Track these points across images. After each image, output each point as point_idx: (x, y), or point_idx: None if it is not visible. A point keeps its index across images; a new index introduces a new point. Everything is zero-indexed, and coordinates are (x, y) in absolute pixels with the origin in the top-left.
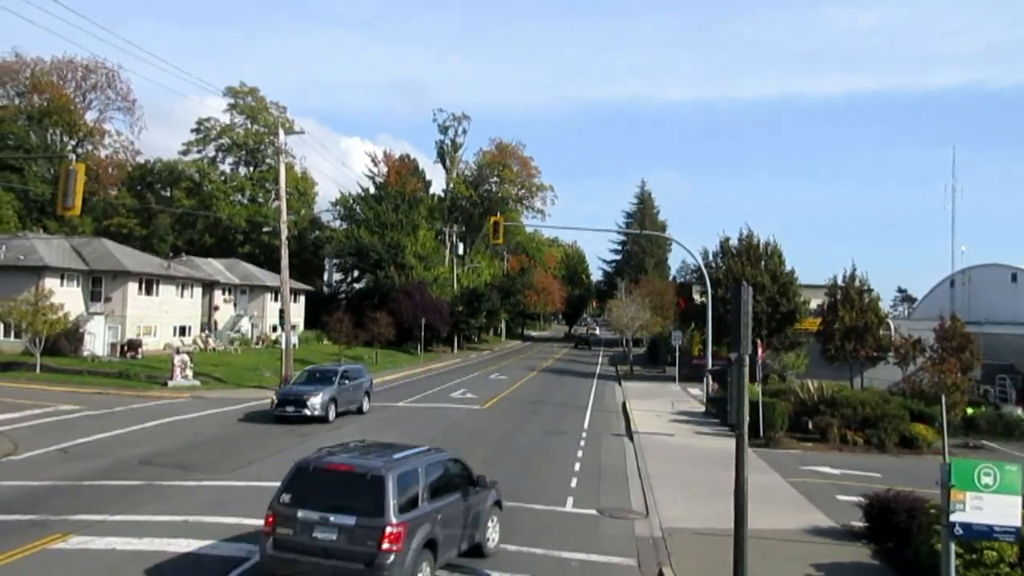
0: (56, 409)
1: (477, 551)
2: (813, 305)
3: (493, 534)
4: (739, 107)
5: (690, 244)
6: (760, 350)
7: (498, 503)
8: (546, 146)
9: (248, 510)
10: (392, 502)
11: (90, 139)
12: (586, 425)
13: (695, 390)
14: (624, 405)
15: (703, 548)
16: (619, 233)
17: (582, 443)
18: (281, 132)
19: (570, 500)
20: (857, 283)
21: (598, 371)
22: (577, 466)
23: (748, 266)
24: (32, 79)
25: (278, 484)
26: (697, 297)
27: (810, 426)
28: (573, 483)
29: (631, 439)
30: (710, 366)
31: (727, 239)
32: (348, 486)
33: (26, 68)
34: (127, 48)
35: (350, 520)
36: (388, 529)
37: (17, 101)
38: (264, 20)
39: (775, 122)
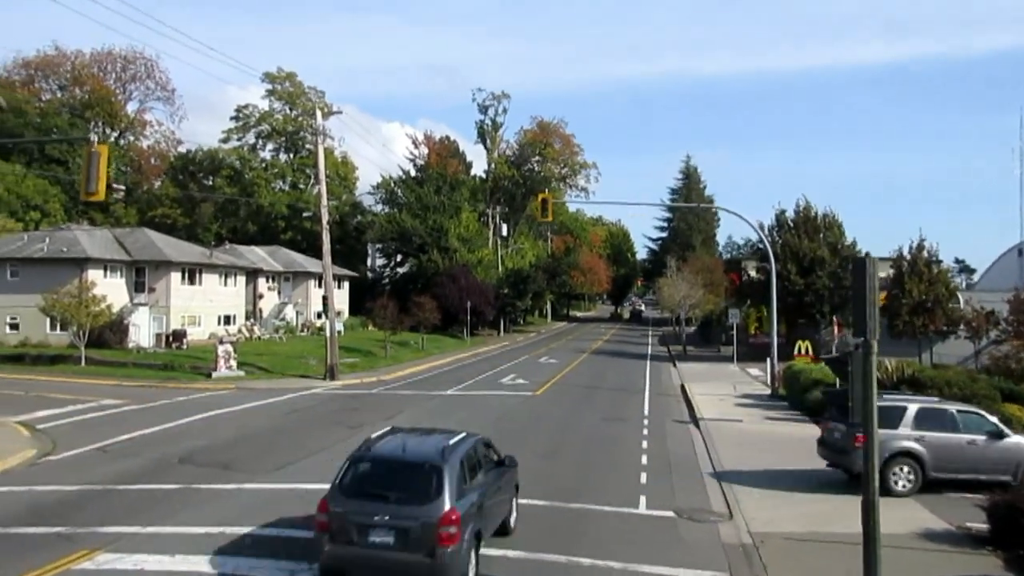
0: (99, 404)
1: (503, 529)
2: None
3: (514, 512)
4: (782, 77)
5: (739, 223)
6: (837, 328)
7: (517, 485)
8: (587, 125)
9: (291, 520)
10: (449, 491)
11: (131, 130)
12: (646, 411)
13: (755, 370)
14: (683, 388)
15: (803, 557)
16: (666, 209)
17: (645, 431)
18: (319, 114)
19: (642, 500)
20: (925, 254)
21: (649, 352)
22: (644, 458)
23: (806, 239)
24: (73, 72)
25: (323, 486)
26: (752, 272)
27: None
28: (643, 478)
29: (697, 426)
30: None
31: (783, 211)
32: (404, 477)
33: (66, 61)
34: (164, 34)
35: (408, 511)
36: (448, 518)
37: (59, 94)
38: (299, 7)
39: (820, 91)
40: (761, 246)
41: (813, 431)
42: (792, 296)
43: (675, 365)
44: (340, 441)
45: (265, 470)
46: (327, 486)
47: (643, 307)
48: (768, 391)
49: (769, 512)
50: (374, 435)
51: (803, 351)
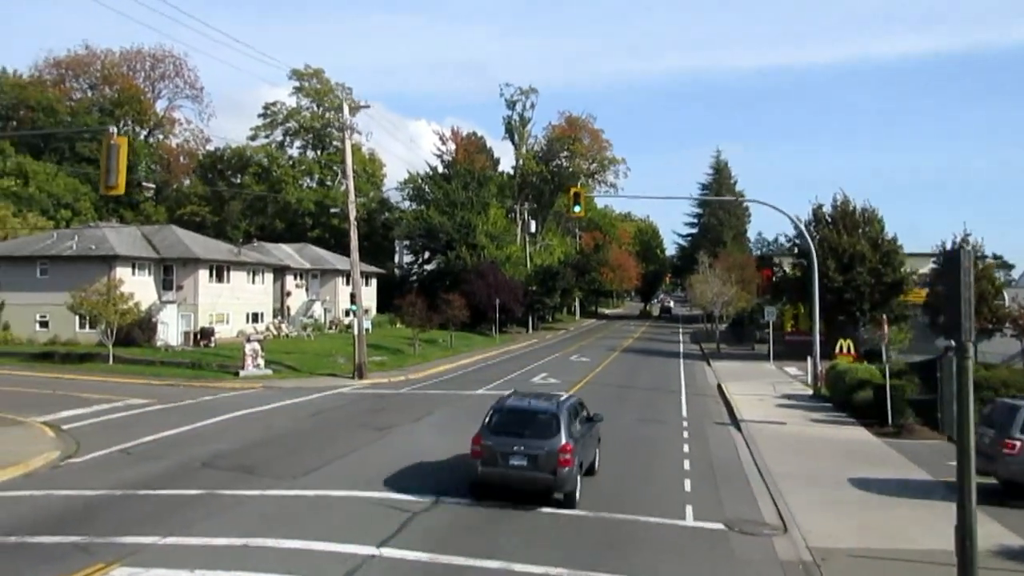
0: (126, 403)
1: (590, 470)
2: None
3: (597, 458)
4: (811, 72)
5: (770, 218)
6: (885, 327)
7: (599, 438)
8: (614, 121)
9: (317, 530)
10: (564, 430)
11: (160, 128)
12: (684, 412)
13: (793, 369)
14: (720, 388)
15: None
16: (695, 205)
17: (685, 434)
18: (346, 108)
19: (689, 510)
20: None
21: (682, 349)
22: (687, 464)
23: (844, 234)
24: (103, 71)
25: (351, 494)
26: (787, 269)
27: None
28: (687, 485)
29: (738, 428)
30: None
31: (819, 206)
32: (532, 421)
33: (96, 60)
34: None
35: (537, 444)
36: (565, 448)
37: (89, 94)
38: (324, 5)
39: (848, 86)
40: (798, 242)
41: (862, 434)
42: (831, 293)
43: (709, 364)
44: (367, 445)
45: (290, 475)
46: (355, 494)
47: (672, 304)
48: (809, 391)
49: (827, 524)
50: (506, 395)
51: (845, 349)
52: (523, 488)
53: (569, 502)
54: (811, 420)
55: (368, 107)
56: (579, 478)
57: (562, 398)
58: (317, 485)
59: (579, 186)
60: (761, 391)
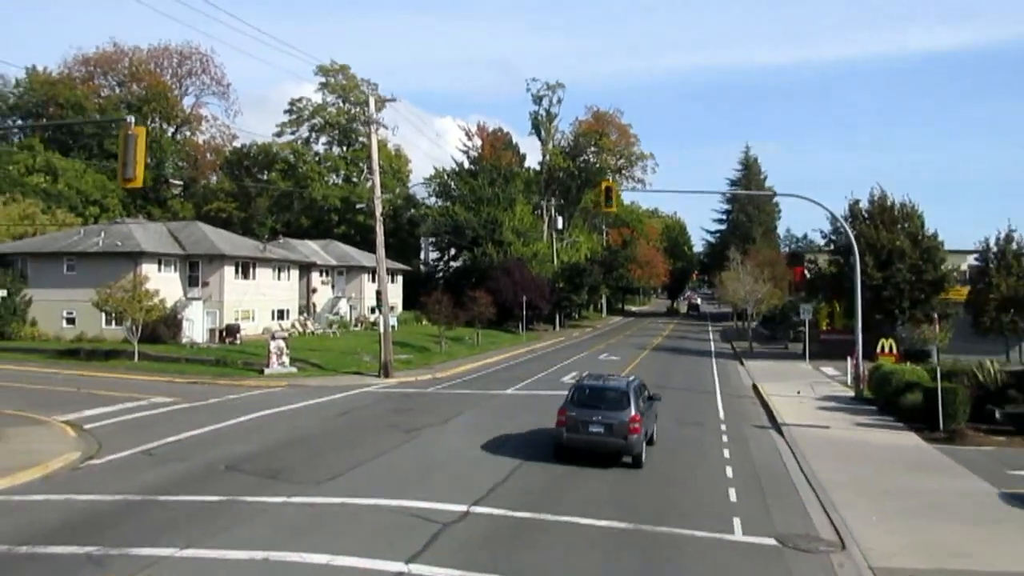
0: (150, 402)
1: (650, 440)
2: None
3: (655, 431)
4: (844, 67)
5: (799, 215)
6: (936, 325)
7: (656, 415)
8: (641, 118)
9: (342, 543)
10: (633, 404)
11: (188, 125)
12: (722, 414)
13: (830, 369)
14: (756, 388)
15: None
16: (724, 201)
17: (724, 438)
18: (371, 101)
19: (736, 523)
20: (1014, 246)
21: (713, 348)
22: (729, 470)
23: (884, 230)
24: (130, 68)
25: (378, 502)
26: (823, 265)
27: (997, 415)
28: (732, 495)
29: (780, 432)
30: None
31: (856, 201)
32: (607, 397)
33: (124, 57)
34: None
35: (611, 415)
36: (634, 419)
37: (117, 91)
38: (350, 4)
39: (874, 82)
40: (834, 238)
41: (913, 440)
42: (869, 290)
43: (742, 363)
44: (395, 447)
45: (315, 480)
46: (382, 502)
47: (699, 301)
48: (850, 393)
49: (887, 540)
50: (584, 374)
51: (887, 349)
52: (599, 451)
53: (636, 463)
54: (856, 424)
55: (394, 100)
56: (644, 444)
57: (630, 379)
58: (343, 492)
59: (609, 180)
60: (799, 392)
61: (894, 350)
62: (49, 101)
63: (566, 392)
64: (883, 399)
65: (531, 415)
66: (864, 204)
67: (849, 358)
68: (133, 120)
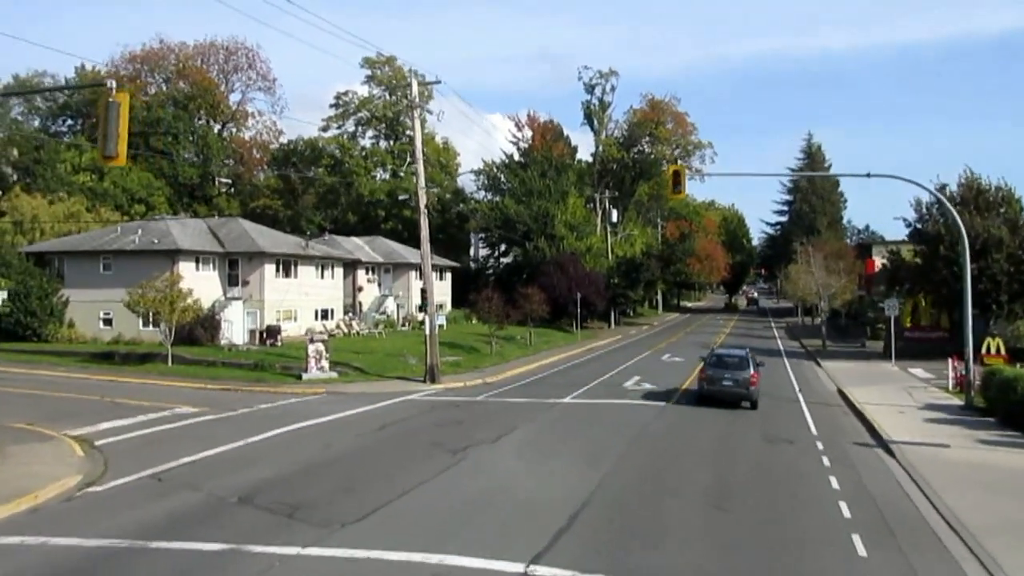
0: (174, 412)
1: (754, 405)
2: None
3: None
4: (909, 50)
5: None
6: None
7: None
8: (697, 109)
9: None
10: (752, 366)
11: (234, 122)
12: (813, 428)
13: (919, 371)
14: (843, 394)
15: None
16: (786, 191)
17: (825, 459)
18: (414, 84)
19: None
20: None
21: (781, 347)
22: (844, 508)
23: (976, 216)
24: (177, 65)
25: (413, 558)
26: (907, 255)
27: None
28: (858, 546)
29: (889, 452)
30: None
31: (943, 186)
32: (732, 360)
33: (170, 54)
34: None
35: (738, 374)
36: (754, 376)
37: (164, 88)
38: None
39: (951, 64)
40: (919, 225)
41: None
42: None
43: (818, 363)
44: (436, 475)
45: (339, 520)
46: (416, 558)
47: (756, 295)
48: (954, 400)
49: None
50: (715, 345)
51: (993, 350)
52: (728, 398)
53: (754, 406)
54: (978, 441)
55: (439, 83)
56: (759, 395)
57: (746, 350)
58: (369, 540)
59: (678, 165)
60: (895, 399)
61: (1002, 350)
62: (97, 99)
63: (640, 399)
64: (1003, 409)
65: (595, 430)
66: (953, 188)
67: (951, 360)
68: (114, 85)
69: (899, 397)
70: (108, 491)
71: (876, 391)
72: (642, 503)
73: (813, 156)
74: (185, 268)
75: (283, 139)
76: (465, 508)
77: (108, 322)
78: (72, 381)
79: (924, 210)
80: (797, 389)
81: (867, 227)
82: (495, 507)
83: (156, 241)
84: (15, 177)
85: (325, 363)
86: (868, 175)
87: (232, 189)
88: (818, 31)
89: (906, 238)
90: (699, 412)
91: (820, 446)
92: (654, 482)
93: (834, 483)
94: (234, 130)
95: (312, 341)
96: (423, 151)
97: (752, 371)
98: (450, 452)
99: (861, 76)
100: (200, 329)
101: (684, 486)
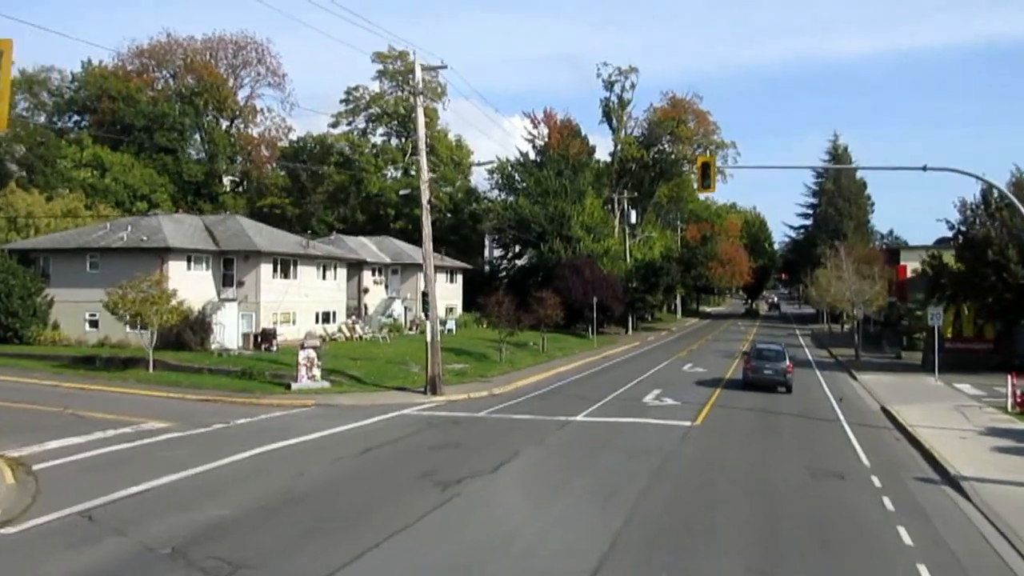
0: (137, 429)
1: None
2: None
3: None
4: (938, 53)
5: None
6: None
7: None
8: (718, 111)
9: None
10: (787, 357)
11: (242, 118)
12: (864, 458)
13: (966, 386)
14: (888, 414)
15: None
16: (810, 194)
17: (887, 502)
18: (418, 68)
19: None
20: None
21: (810, 356)
22: (925, 574)
23: None
24: (184, 59)
25: None
26: (949, 261)
27: None
28: None
29: (958, 490)
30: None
31: (990, 187)
32: (770, 353)
33: (178, 48)
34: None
35: (776, 364)
36: (789, 366)
37: (171, 82)
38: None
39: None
40: (963, 228)
41: None
42: (1010, 291)
43: (853, 376)
44: (419, 518)
45: None
46: None
47: (777, 300)
48: (1018, 424)
49: None
50: (756, 339)
51: None
52: (768, 385)
53: (788, 390)
54: None
55: (444, 68)
56: (793, 382)
57: (782, 346)
58: None
59: (707, 156)
60: (950, 422)
61: None
62: (102, 94)
63: (661, 418)
64: None
65: (611, 458)
66: (1002, 188)
67: (1010, 377)
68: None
69: (953, 419)
70: (21, 535)
71: (925, 410)
72: (670, 565)
73: (839, 157)
74: (175, 267)
75: (292, 136)
76: (448, 570)
77: (94, 324)
78: (39, 389)
79: (969, 212)
80: (836, 407)
81: (891, 232)
82: (486, 567)
83: (145, 239)
84: (21, 173)
85: (317, 371)
86: (924, 168)
87: (240, 187)
88: (840, 33)
89: (948, 242)
90: (728, 435)
91: (877, 482)
92: (683, 535)
93: (905, 537)
94: (242, 126)
95: (303, 347)
96: (430, 143)
97: (788, 362)
98: (440, 486)
99: (886, 80)
100: (189, 332)
101: (720, 542)
